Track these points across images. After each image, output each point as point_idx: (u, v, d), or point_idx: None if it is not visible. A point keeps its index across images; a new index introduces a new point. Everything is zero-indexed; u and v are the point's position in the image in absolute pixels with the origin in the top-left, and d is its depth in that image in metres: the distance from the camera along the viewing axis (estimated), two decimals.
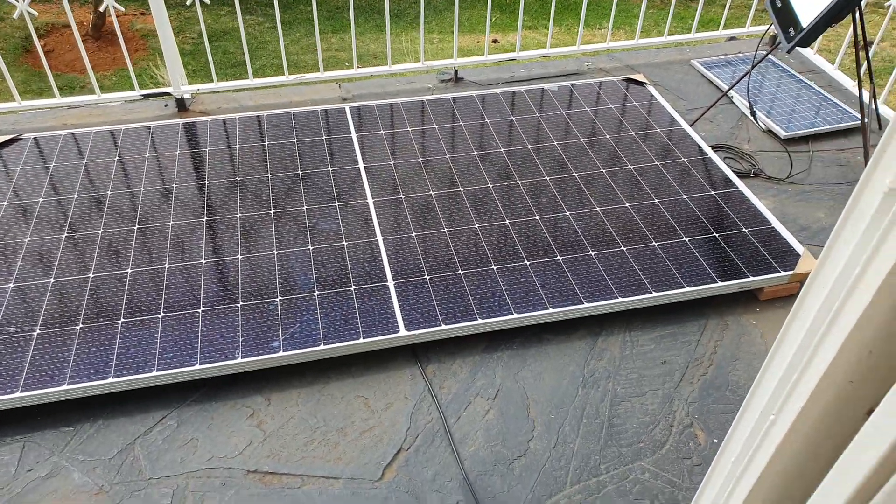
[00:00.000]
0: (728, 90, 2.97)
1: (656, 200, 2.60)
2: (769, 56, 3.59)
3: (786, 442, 0.80)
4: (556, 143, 2.92)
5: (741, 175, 2.89)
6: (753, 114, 3.06)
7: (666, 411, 2.03)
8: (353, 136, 2.93)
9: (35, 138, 2.87)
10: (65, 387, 1.92)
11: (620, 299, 2.21)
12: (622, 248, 2.40)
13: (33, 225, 2.45)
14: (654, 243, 2.41)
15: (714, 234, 2.46)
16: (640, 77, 3.31)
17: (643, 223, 2.50)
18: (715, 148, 3.02)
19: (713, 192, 2.64)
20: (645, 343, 2.23)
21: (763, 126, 3.15)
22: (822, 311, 0.75)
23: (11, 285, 2.22)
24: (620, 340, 2.24)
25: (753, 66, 3.00)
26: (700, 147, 2.88)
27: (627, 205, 2.58)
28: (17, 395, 1.89)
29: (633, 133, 2.98)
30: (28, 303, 2.16)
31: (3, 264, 2.29)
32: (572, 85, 3.31)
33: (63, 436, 1.93)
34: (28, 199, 2.57)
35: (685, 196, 2.62)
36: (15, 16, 2.92)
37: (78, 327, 2.08)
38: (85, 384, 1.92)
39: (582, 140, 2.93)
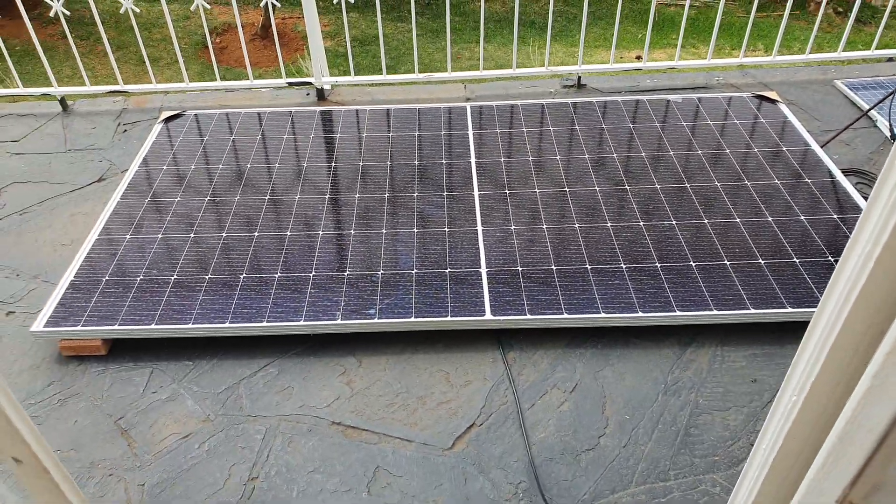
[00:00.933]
0: (868, 110, 2.80)
1: (770, 219, 2.51)
2: None
3: (799, 419, 0.81)
4: (673, 153, 2.88)
5: None
6: (895, 137, 2.85)
7: (748, 430, 1.97)
8: (470, 133, 3.06)
9: (195, 115, 3.27)
10: (190, 325, 2.19)
11: (714, 312, 2.17)
12: (725, 261, 2.34)
13: (183, 188, 2.80)
14: (760, 261, 2.33)
15: (829, 258, 2.33)
16: (772, 94, 3.18)
17: (752, 239, 2.42)
18: (847, 172, 2.85)
19: (835, 216, 2.50)
20: (737, 359, 2.17)
21: None
22: (837, 302, 0.76)
23: (160, 236, 2.55)
24: (711, 353, 2.19)
25: None
26: (829, 170, 2.74)
27: (738, 220, 2.51)
28: (152, 326, 2.19)
29: (757, 150, 2.88)
30: (171, 252, 2.48)
31: (156, 218, 2.65)
32: (699, 98, 3.24)
33: (184, 368, 2.21)
34: (183, 165, 2.93)
35: (803, 217, 2.51)
36: (192, 8, 3.35)
37: (207, 277, 2.37)
38: (206, 325, 2.19)
39: (700, 153, 2.88)
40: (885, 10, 7.57)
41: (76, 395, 2.13)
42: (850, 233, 2.40)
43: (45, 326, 2.21)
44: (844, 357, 0.74)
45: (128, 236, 2.56)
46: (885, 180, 0.67)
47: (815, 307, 2.15)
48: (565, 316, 2.18)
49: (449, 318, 2.18)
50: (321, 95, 3.55)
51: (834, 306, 0.75)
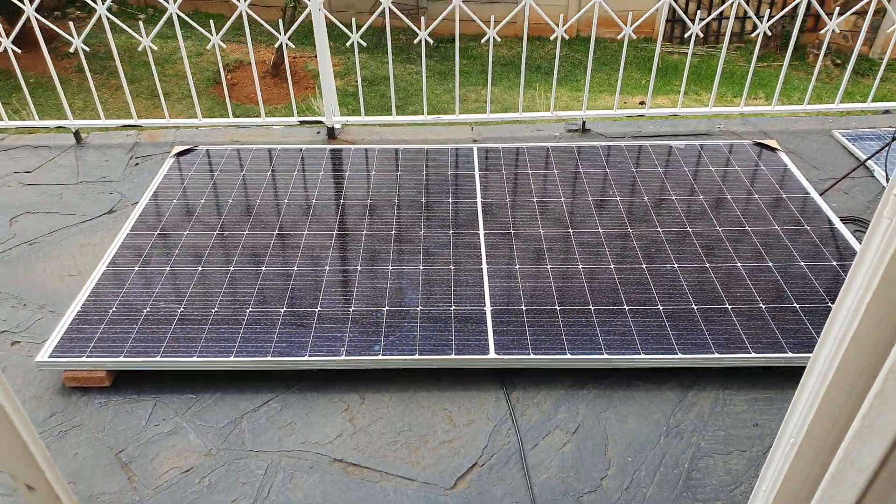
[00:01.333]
0: (866, 160, 2.85)
1: (770, 264, 2.54)
2: None
3: (798, 461, 0.83)
4: (675, 198, 2.93)
5: None
6: None
7: (750, 475, 1.97)
8: (476, 173, 3.12)
9: (207, 150, 3.33)
10: (195, 358, 2.21)
11: (716, 355, 2.18)
12: (727, 305, 2.36)
13: (192, 222, 2.84)
14: (761, 305, 2.36)
15: (829, 304, 2.35)
16: (772, 143, 3.24)
17: (752, 284, 2.45)
18: (845, 220, 2.89)
19: (835, 263, 2.53)
20: (738, 403, 2.17)
21: None
22: (832, 345, 0.79)
23: (167, 269, 2.59)
24: (712, 397, 2.20)
25: (894, 139, 2.86)
26: (828, 217, 2.78)
27: (739, 264, 2.54)
28: (157, 359, 2.21)
29: (758, 196, 2.92)
30: (177, 285, 2.51)
31: (164, 251, 2.68)
32: (700, 145, 3.31)
33: (187, 401, 2.21)
34: (193, 199, 2.98)
35: (803, 263, 2.54)
36: (208, 47, 3.44)
37: (213, 311, 2.39)
38: (211, 359, 2.21)
39: (702, 198, 2.92)
40: (880, 63, 7.74)
41: (78, 426, 2.14)
42: None
43: (49, 357, 2.22)
44: (839, 399, 0.76)
45: (136, 268, 2.59)
46: (874, 231, 0.70)
47: None
48: (569, 357, 2.19)
49: (453, 357, 2.19)
50: (331, 134, 3.63)
51: (829, 350, 0.77)
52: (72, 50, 3.39)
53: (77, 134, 3.67)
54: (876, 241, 0.68)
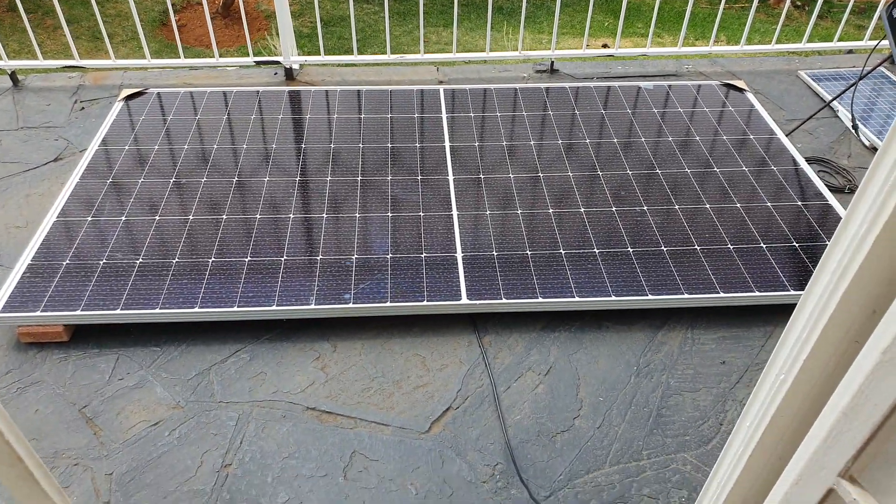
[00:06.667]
0: (830, 101, 2.87)
1: (738, 205, 2.56)
2: (885, 72, 3.41)
3: (790, 396, 0.83)
4: (644, 140, 2.91)
5: (834, 190, 2.78)
6: (856, 128, 2.93)
7: (717, 410, 2.02)
8: (444, 116, 3.04)
9: (158, 93, 3.16)
10: (157, 310, 2.13)
11: (686, 295, 2.20)
12: (696, 247, 2.38)
13: (146, 169, 2.71)
14: (729, 246, 2.38)
15: (794, 244, 2.39)
16: (740, 83, 3.23)
17: (721, 225, 2.46)
18: (810, 160, 2.92)
19: (800, 203, 2.56)
20: (706, 342, 2.21)
21: (867, 142, 3.01)
22: (833, 274, 0.77)
23: (123, 219, 2.47)
24: (681, 337, 2.23)
25: (861, 79, 2.88)
26: (794, 158, 2.80)
27: (708, 206, 2.55)
28: (118, 311, 2.12)
29: (726, 138, 2.92)
30: (134, 235, 2.40)
31: (117, 200, 2.56)
32: (669, 85, 3.28)
33: (151, 354, 2.15)
34: (145, 145, 2.84)
35: (769, 204, 2.56)
36: None
37: (174, 261, 2.30)
38: (174, 311, 2.13)
39: (671, 140, 2.91)
40: (840, 5, 7.78)
41: (37, 382, 2.05)
42: (813, 219, 2.47)
43: (1, 312, 2.12)
44: (837, 334, 0.75)
45: (88, 219, 2.47)
46: (881, 160, 0.67)
47: (781, 291, 2.20)
48: (540, 300, 2.19)
49: (425, 303, 2.16)
50: (289, 75, 3.48)
51: (827, 284, 0.75)
52: None
53: (14, 76, 3.44)
54: (883, 171, 0.66)
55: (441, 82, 3.54)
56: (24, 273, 2.24)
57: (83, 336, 2.18)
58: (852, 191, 2.79)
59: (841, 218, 2.49)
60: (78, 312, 2.11)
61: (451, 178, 2.68)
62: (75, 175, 2.67)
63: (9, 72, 3.42)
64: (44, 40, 7.43)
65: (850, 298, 0.72)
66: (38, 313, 2.11)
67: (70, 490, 1.79)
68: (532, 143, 2.88)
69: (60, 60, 3.44)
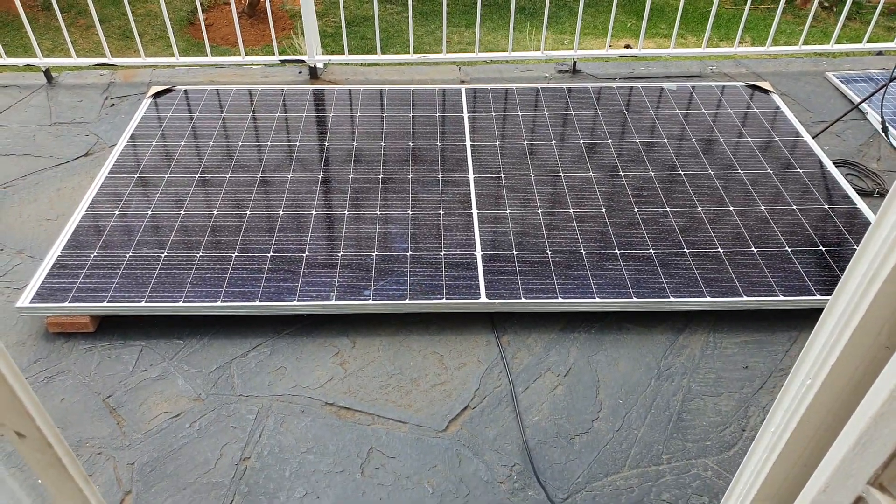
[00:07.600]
0: (860, 103, 2.82)
1: (762, 208, 2.53)
2: None
3: (817, 401, 0.82)
4: (667, 141, 2.89)
5: (863, 193, 2.74)
6: (885, 130, 2.88)
7: (740, 415, 1.99)
8: (465, 115, 3.04)
9: (185, 90, 3.21)
10: (180, 304, 2.16)
11: (708, 298, 2.18)
12: (718, 249, 2.35)
13: (172, 165, 2.75)
14: (753, 249, 2.35)
15: (821, 247, 2.35)
16: (765, 85, 3.19)
17: (745, 228, 2.44)
18: (838, 163, 2.87)
19: (826, 207, 2.53)
20: (729, 346, 2.19)
21: None
22: (863, 279, 0.76)
23: (149, 213, 2.51)
24: (703, 340, 2.21)
25: (891, 80, 2.82)
26: (820, 160, 2.76)
27: (731, 208, 2.53)
28: (142, 304, 2.16)
29: (751, 139, 2.89)
30: (160, 230, 2.44)
31: (144, 195, 2.60)
32: (693, 86, 3.25)
33: (174, 346, 2.18)
34: (172, 141, 2.88)
35: (794, 206, 2.53)
36: None
37: (198, 255, 2.33)
38: (197, 304, 2.16)
39: (695, 141, 2.88)
40: (869, 6, 7.64)
41: (63, 372, 2.10)
42: (840, 222, 2.43)
43: (31, 302, 2.16)
44: (867, 339, 0.74)
45: (116, 213, 2.51)
46: None
47: (806, 295, 2.17)
48: (560, 300, 2.18)
49: (444, 301, 2.17)
50: (314, 74, 3.50)
51: (856, 288, 0.74)
52: None
53: (48, 73, 3.51)
54: None
55: (463, 82, 3.55)
56: (53, 265, 2.28)
57: (109, 327, 2.22)
58: (882, 194, 2.74)
59: (870, 222, 2.45)
60: (104, 304, 2.15)
61: (471, 176, 2.68)
62: (104, 170, 2.72)
63: (43, 69, 3.49)
64: (77, 39, 7.57)
65: (880, 303, 0.71)
66: (66, 304, 2.15)
67: (93, 478, 1.82)
68: (553, 142, 2.87)
69: (92, 58, 3.51)
